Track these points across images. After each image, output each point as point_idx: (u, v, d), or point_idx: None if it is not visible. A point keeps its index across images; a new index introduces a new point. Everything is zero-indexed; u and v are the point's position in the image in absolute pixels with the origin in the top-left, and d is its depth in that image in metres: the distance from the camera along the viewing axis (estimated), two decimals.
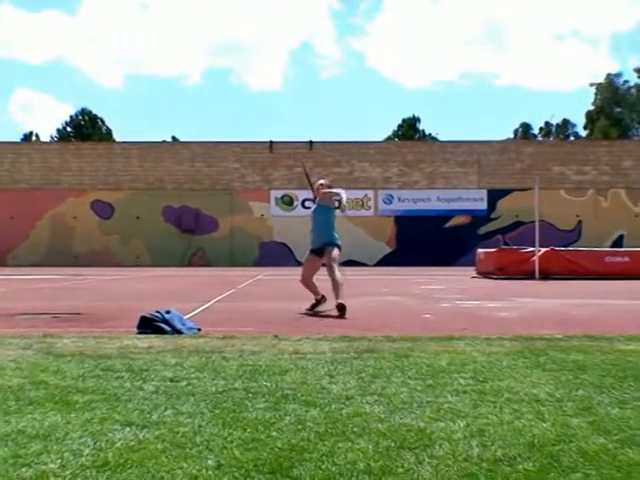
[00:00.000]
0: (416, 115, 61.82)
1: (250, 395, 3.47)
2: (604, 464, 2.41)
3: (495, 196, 31.83)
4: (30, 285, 14.62)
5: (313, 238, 8.45)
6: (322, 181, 8.82)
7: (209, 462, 2.41)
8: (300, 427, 2.86)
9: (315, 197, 8.70)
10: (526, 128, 64.41)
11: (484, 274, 18.57)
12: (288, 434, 2.75)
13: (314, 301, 8.23)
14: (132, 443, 2.63)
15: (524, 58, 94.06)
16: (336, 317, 7.47)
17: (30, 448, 2.56)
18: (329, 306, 7.95)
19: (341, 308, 7.58)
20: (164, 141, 43.94)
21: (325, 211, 8.42)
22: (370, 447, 2.59)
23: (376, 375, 4.01)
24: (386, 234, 31.86)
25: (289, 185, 32.04)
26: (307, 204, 27.74)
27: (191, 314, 7.51)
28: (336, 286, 7.92)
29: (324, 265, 8.29)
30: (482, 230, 31.58)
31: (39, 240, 31.62)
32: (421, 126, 61.67)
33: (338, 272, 8.07)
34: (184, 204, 31.90)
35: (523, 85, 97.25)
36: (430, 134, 60.10)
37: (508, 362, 4.46)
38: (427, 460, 2.44)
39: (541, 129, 64.84)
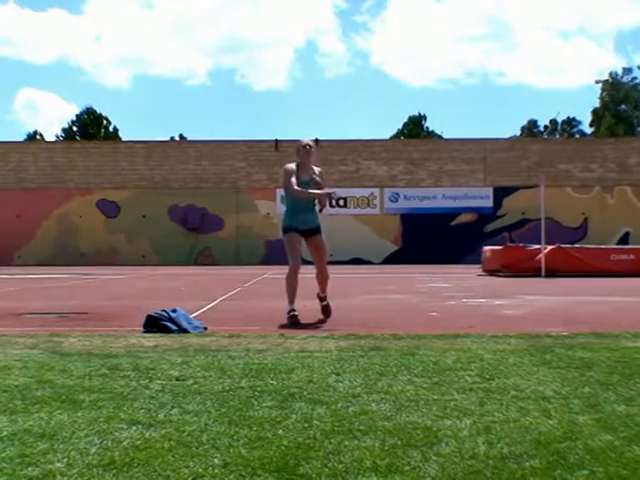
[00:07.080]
0: (422, 113, 61.80)
1: (256, 394, 3.46)
2: (610, 461, 2.40)
3: (501, 194, 31.75)
4: (36, 284, 14.66)
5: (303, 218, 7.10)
6: (308, 141, 7.33)
7: (215, 461, 2.40)
8: (306, 425, 2.86)
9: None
10: (533, 125, 64.24)
11: (490, 272, 18.53)
12: (294, 432, 2.75)
13: (294, 313, 6.61)
14: (138, 442, 2.63)
15: (529, 55, 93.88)
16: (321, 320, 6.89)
17: (36, 447, 2.56)
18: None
19: (326, 306, 7.03)
20: (172, 138, 43.92)
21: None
22: (376, 445, 2.58)
23: (382, 373, 4.00)
24: (392, 232, 31.82)
25: None
26: None
27: (197, 313, 7.52)
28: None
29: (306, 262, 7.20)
30: (488, 228, 31.50)
31: (45, 239, 31.67)
32: (427, 124, 61.62)
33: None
34: (190, 203, 31.90)
35: (528, 82, 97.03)
36: (433, 131, 59.99)
37: (514, 360, 4.45)
38: (433, 458, 2.43)
39: (546, 127, 64.68)
